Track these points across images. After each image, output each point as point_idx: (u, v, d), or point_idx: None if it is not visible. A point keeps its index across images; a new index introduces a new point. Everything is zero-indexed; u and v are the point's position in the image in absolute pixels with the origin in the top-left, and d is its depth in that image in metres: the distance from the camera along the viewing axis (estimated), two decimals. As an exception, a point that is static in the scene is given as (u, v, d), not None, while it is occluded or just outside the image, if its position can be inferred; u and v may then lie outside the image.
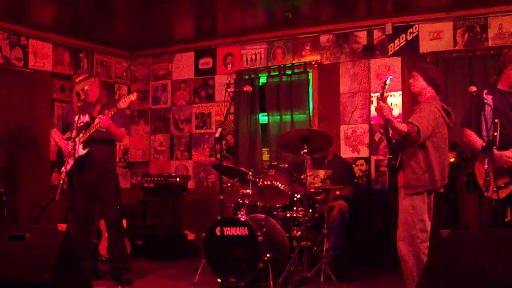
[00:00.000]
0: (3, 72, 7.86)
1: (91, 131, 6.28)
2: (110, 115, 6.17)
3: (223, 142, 8.69)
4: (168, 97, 9.58)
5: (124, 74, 9.55)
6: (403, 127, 5.07)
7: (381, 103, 5.13)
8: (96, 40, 9.09)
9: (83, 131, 6.30)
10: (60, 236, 4.62)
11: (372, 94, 7.97)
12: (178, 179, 8.54)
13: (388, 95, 5.29)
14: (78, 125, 6.26)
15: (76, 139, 6.19)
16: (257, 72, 8.72)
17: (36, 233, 4.76)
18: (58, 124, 6.77)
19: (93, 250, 7.05)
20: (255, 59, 8.85)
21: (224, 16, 8.30)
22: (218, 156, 6.11)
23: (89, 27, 8.60)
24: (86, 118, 6.40)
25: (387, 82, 5.34)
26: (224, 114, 7.45)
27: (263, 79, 8.77)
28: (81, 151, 6.29)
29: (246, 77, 8.77)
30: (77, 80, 6.46)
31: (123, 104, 6.13)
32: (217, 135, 5.76)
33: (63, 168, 6.11)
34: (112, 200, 6.58)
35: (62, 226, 4.76)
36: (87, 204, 6.55)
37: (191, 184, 9.15)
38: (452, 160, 6.68)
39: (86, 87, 6.33)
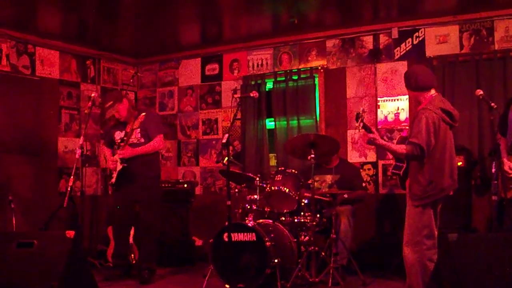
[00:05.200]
0: (10, 80, 7.90)
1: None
2: (123, 145, 6.83)
3: (230, 148, 8.70)
4: (175, 103, 9.60)
5: (131, 80, 9.55)
6: (402, 149, 5.03)
7: (371, 136, 5.08)
8: (103, 47, 9.12)
9: (120, 146, 6.91)
10: (68, 243, 4.64)
11: (379, 99, 7.97)
12: (185, 185, 8.55)
13: (365, 124, 5.14)
14: (117, 141, 7.08)
15: (116, 156, 6.88)
16: (264, 77, 8.73)
17: (44, 240, 4.78)
18: (105, 142, 7.56)
19: (127, 251, 7.39)
20: (262, 65, 8.86)
21: (230, 22, 8.32)
22: (225, 162, 6.12)
23: (96, 34, 8.64)
24: (123, 134, 7.07)
25: (360, 115, 5.17)
26: (231, 120, 7.47)
27: (269, 85, 8.78)
28: (119, 166, 6.87)
29: (253, 82, 8.78)
30: (105, 107, 7.16)
31: (136, 124, 6.64)
32: (224, 141, 5.76)
33: (112, 181, 7.03)
34: (150, 206, 7.06)
35: (70, 233, 4.76)
36: (126, 209, 7.10)
37: (198, 190, 9.15)
38: (459, 164, 6.66)
39: (114, 113, 7.13)
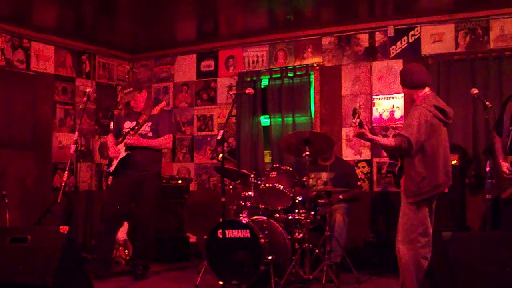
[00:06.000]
0: (5, 74, 7.87)
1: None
2: (133, 133, 6.80)
3: (225, 144, 8.63)
4: (170, 99, 9.59)
5: (126, 76, 9.55)
6: (390, 142, 5.03)
7: (360, 130, 5.01)
8: (98, 43, 9.11)
9: (129, 134, 6.86)
10: (62, 238, 4.62)
11: (374, 97, 7.98)
12: (180, 181, 8.55)
13: (361, 121, 5.11)
14: (125, 130, 6.95)
15: (121, 144, 6.83)
16: (259, 74, 8.73)
17: (38, 235, 4.77)
18: (113, 130, 7.32)
19: (113, 247, 7.43)
20: (257, 62, 8.86)
21: (226, 18, 8.31)
22: (220, 158, 6.12)
23: (91, 29, 8.62)
24: (133, 124, 6.95)
25: (356, 111, 5.15)
26: (226, 116, 7.45)
27: (265, 82, 8.77)
28: (122, 154, 6.80)
29: (248, 79, 8.77)
30: (123, 92, 7.14)
31: (155, 111, 6.72)
32: (219, 137, 5.77)
33: (110, 169, 6.95)
34: (147, 202, 6.99)
35: (64, 228, 4.75)
36: (122, 203, 6.96)
37: (193, 186, 9.15)
38: (454, 162, 6.66)
39: (130, 100, 7.11)
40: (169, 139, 7.10)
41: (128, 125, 7.05)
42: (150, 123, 6.91)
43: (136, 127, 6.83)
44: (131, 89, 7.05)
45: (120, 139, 6.98)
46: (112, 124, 7.41)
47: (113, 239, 7.26)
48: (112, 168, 6.94)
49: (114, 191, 7.07)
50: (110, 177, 7.28)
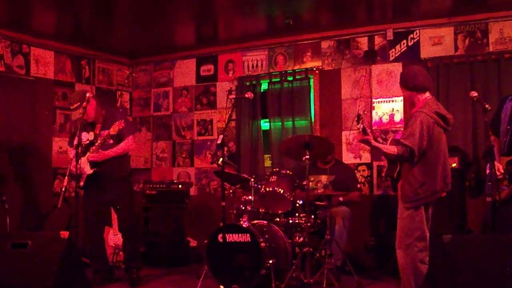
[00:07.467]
0: (5, 80, 7.87)
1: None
2: (94, 149, 6.64)
3: (225, 148, 8.64)
4: (169, 104, 9.59)
5: (126, 81, 9.56)
6: (393, 150, 5.01)
7: (366, 137, 5.00)
8: (98, 48, 9.11)
9: (90, 150, 6.68)
10: (62, 243, 4.64)
11: (373, 100, 7.98)
12: (180, 186, 8.53)
13: (365, 127, 5.06)
14: (84, 143, 6.73)
15: (83, 158, 6.62)
16: (259, 78, 8.73)
17: (38, 240, 4.78)
18: (70, 143, 7.03)
19: (105, 254, 7.26)
20: (257, 66, 8.86)
21: (225, 23, 8.31)
22: (220, 162, 6.12)
23: (91, 34, 8.62)
24: (91, 136, 6.81)
25: (361, 117, 5.08)
26: (226, 120, 7.44)
27: (264, 86, 8.77)
28: (89, 171, 6.68)
29: (248, 83, 8.78)
30: (71, 108, 6.89)
31: (112, 131, 6.48)
32: (219, 141, 5.76)
33: (80, 184, 6.68)
34: (124, 206, 6.93)
35: (64, 234, 4.75)
36: (99, 209, 6.95)
37: (193, 191, 9.14)
38: (454, 165, 6.67)
39: (78, 116, 6.73)
40: (131, 141, 6.91)
41: (85, 136, 6.81)
42: (107, 131, 6.62)
43: (97, 143, 6.64)
44: (78, 104, 6.72)
45: (81, 149, 6.64)
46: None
47: (103, 243, 7.16)
48: (82, 184, 6.76)
49: (92, 204, 6.90)
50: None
